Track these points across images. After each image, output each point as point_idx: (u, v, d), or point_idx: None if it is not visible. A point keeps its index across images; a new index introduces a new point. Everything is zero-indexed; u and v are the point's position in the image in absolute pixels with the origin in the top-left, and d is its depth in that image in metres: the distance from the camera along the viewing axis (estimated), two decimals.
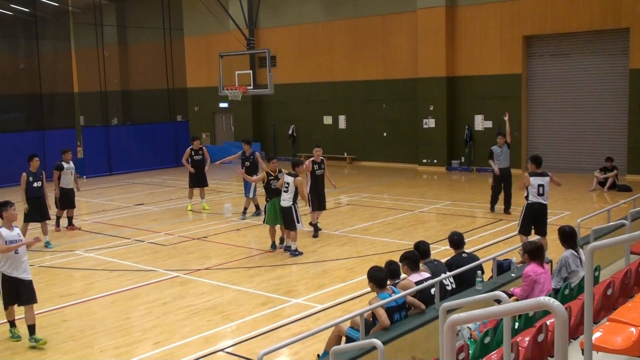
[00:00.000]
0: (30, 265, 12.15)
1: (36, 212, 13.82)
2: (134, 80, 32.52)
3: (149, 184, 23.50)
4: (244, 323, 9.11)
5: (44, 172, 14.11)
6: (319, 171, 14.40)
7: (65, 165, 15.29)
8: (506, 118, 16.11)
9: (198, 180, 17.54)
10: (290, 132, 30.36)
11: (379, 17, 26.84)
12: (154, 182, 24.04)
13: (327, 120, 29.27)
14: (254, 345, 8.25)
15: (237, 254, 12.97)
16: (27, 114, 27.19)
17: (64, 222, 15.74)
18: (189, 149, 17.69)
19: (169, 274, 11.63)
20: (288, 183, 12.63)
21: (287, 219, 12.67)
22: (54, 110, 27.04)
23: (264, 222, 13.28)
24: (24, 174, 13.75)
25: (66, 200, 15.38)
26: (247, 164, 16.28)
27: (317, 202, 14.34)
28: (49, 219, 14.19)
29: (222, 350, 8.27)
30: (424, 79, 25.18)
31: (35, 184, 13.79)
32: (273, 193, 12.96)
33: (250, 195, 16.51)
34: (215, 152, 30.08)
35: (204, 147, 17.93)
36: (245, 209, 16.63)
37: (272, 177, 13.08)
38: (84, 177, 25.64)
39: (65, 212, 15.58)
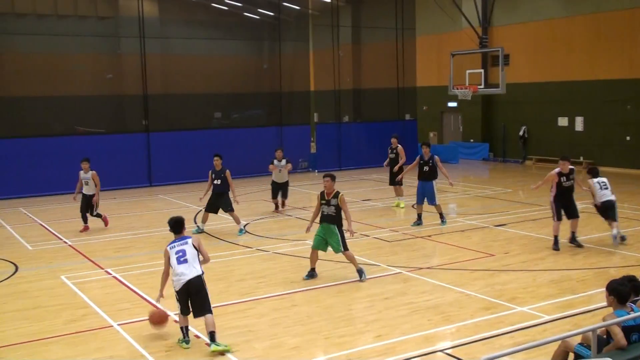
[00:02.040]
0: (265, 252, 13.25)
1: (213, 204, 15.27)
2: (366, 79, 33.47)
3: (375, 181, 24.07)
4: (464, 326, 8.97)
5: (227, 170, 15.22)
6: (567, 183, 13.00)
7: (275, 162, 17.73)
8: None
9: (390, 179, 18.43)
10: (521, 133, 29.24)
11: (626, 12, 24.78)
12: (381, 179, 24.52)
13: (562, 121, 27.72)
14: (474, 350, 8.09)
15: (460, 255, 12.80)
16: (268, 110, 29.26)
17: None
18: (389, 147, 18.51)
19: (391, 269, 11.82)
20: None
21: None
22: (291, 107, 28.79)
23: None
24: (210, 171, 15.35)
25: (274, 190, 17.90)
26: (426, 168, 15.53)
27: (568, 212, 13.13)
28: (232, 210, 15.26)
29: (441, 351, 8.21)
30: None
31: (215, 181, 15.18)
32: (323, 218, 11.20)
33: (436, 202, 15.60)
34: (442, 152, 30.01)
35: (400, 147, 18.26)
36: (420, 215, 15.81)
37: (323, 202, 11.17)
38: (316, 171, 27.01)
39: (278, 200, 17.99)
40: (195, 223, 15.77)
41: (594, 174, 13.65)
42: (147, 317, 8.81)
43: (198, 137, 24.80)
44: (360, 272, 11.20)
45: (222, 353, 8.08)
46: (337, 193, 11.10)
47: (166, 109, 26.30)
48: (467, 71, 25.35)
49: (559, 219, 13.12)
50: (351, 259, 11.23)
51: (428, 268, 11.93)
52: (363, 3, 34.29)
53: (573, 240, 13.20)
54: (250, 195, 21.13)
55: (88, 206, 15.76)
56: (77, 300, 10.45)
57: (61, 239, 15.09)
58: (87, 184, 15.63)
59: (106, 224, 16.25)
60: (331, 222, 11.10)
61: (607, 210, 13.37)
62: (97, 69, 26.00)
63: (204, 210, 15.59)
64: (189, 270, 8.34)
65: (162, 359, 8.02)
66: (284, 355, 8.09)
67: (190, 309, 8.43)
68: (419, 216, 15.70)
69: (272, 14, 29.54)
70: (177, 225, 8.70)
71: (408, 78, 31.48)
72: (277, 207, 18.08)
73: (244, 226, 15.88)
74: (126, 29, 25.59)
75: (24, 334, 8.99)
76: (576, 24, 26.69)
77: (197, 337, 8.68)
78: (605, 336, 6.57)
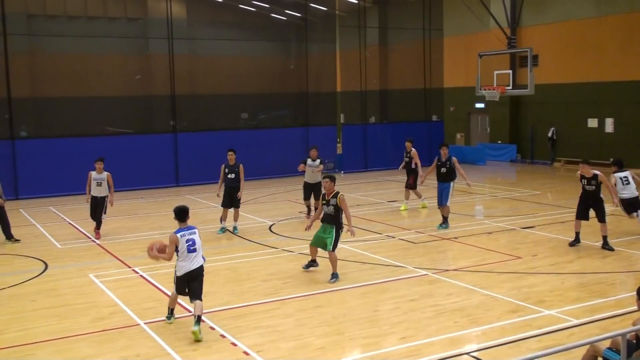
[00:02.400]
0: (290, 252, 13.28)
1: (227, 199, 15.27)
2: (392, 80, 33.40)
3: (401, 182, 23.88)
4: (491, 329, 8.88)
5: (240, 165, 15.29)
6: (588, 187, 13.01)
7: (309, 162, 16.62)
8: None
9: (409, 183, 18.32)
10: (549, 135, 28.91)
11: None
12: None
13: (592, 123, 27.35)
14: (501, 353, 8.01)
15: (487, 257, 12.69)
16: (294, 111, 29.32)
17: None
18: (404, 151, 18.53)
19: (417, 271, 11.76)
20: None
21: None
22: (318, 108, 28.82)
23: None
24: (222, 165, 15.37)
25: (307, 191, 16.81)
26: (444, 170, 15.38)
27: (596, 215, 13.16)
28: (238, 207, 15.49)
29: (467, 353, 8.15)
30: None
31: (229, 175, 15.22)
32: (324, 218, 11.36)
33: (447, 203, 15.36)
34: (469, 154, 29.81)
35: (414, 150, 18.23)
36: (445, 218, 15.62)
37: (324, 202, 11.33)
38: (342, 172, 26.99)
39: (310, 202, 16.95)
40: (221, 222, 15.78)
41: (619, 165, 13.95)
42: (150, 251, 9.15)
43: (225, 138, 24.89)
44: (334, 275, 11.22)
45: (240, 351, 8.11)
46: (337, 193, 11.24)
47: (193, 109, 26.50)
48: (495, 72, 25.14)
49: (578, 217, 13.26)
50: (333, 262, 11.26)
51: (454, 270, 11.84)
52: (390, 4, 34.22)
53: (605, 245, 13.03)
54: (276, 196, 21.18)
55: (98, 208, 14.95)
56: (104, 299, 10.56)
57: (90, 238, 15.25)
58: (99, 185, 14.81)
59: (97, 236, 15.18)
60: (329, 221, 11.24)
61: (629, 206, 13.68)
62: (125, 70, 26.30)
63: (221, 207, 15.56)
64: (196, 260, 8.93)
65: (189, 358, 8.06)
66: (309, 356, 8.09)
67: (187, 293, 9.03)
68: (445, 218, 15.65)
69: (299, 15, 29.62)
70: (182, 214, 9.10)
71: (435, 79, 31.34)
72: (309, 210, 16.83)
73: (270, 227, 15.97)
74: (155, 30, 25.83)
75: (52, 331, 9.11)
76: (607, 24, 26.31)
77: (223, 336, 8.72)
78: (635, 341, 6.47)
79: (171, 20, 24.69)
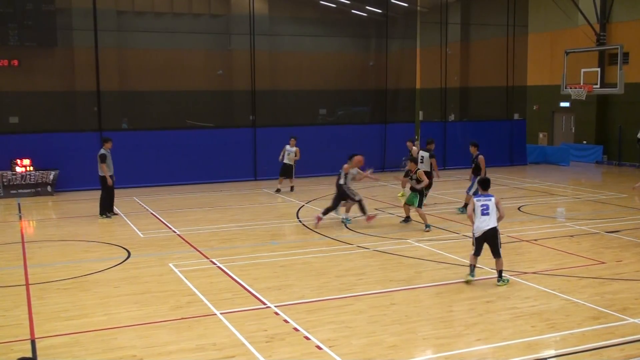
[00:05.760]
0: (365, 249, 13.28)
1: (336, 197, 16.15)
2: (474, 77, 32.78)
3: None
4: (571, 335, 8.60)
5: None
6: None
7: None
8: None
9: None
10: (639, 136, 27.69)
11: None
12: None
13: None
14: None
15: (568, 261, 12.29)
16: (372, 108, 29.23)
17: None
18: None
19: (494, 273, 11.50)
20: None
21: None
22: (396, 105, 28.62)
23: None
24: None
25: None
26: (472, 165, 17.02)
27: None
28: (354, 201, 15.87)
29: (545, 359, 7.92)
30: None
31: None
32: (411, 187, 15.52)
33: (469, 193, 16.67)
34: (552, 154, 28.97)
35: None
36: (466, 204, 16.14)
37: (409, 176, 15.55)
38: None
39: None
40: (298, 217, 15.94)
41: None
42: None
43: (303, 133, 25.07)
44: (427, 226, 14.94)
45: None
46: (417, 170, 15.42)
47: (273, 104, 26.83)
48: (582, 70, 24.33)
49: None
50: (423, 216, 15.10)
51: (533, 273, 11.54)
52: (473, 0, 33.59)
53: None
54: None
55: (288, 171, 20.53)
56: (183, 288, 10.85)
57: (170, 228, 15.71)
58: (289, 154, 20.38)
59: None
60: (415, 189, 15.31)
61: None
62: (208, 65, 26.93)
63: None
64: None
65: (262, 349, 8.18)
66: (381, 354, 8.06)
67: None
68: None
69: (379, 11, 29.48)
70: None
71: (518, 76, 30.52)
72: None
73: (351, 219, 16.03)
74: (237, 27, 26.33)
75: (134, 317, 9.43)
76: None
77: (296, 330, 8.80)
78: None
79: (253, 16, 25.04)
